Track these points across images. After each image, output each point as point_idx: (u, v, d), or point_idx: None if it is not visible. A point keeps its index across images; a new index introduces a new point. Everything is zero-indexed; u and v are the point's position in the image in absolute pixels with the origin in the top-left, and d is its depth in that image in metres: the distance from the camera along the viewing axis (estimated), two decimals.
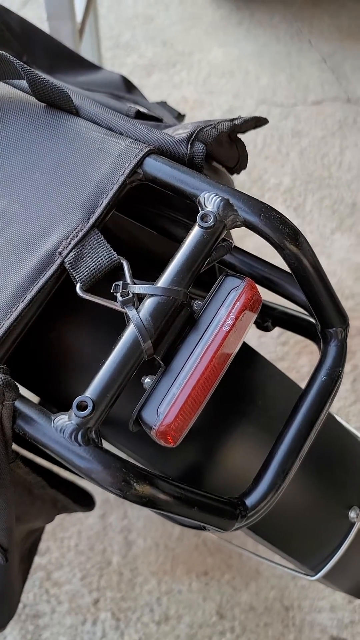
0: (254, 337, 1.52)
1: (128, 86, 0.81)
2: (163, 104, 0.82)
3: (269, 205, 0.45)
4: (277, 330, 1.54)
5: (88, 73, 0.82)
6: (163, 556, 1.26)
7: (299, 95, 1.91)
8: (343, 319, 0.49)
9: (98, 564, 1.25)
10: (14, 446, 0.46)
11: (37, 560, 1.25)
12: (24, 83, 0.51)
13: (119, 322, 0.43)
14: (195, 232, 0.43)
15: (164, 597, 1.23)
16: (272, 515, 0.58)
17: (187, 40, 2.02)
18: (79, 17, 1.22)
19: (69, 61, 0.81)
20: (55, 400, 0.54)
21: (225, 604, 1.22)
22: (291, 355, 1.50)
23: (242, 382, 0.56)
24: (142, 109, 0.65)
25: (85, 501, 0.68)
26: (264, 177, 1.74)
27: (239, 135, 0.59)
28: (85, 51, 1.46)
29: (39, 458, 0.62)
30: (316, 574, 0.62)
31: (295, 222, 1.73)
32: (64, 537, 1.28)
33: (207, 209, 0.43)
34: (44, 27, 1.03)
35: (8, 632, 1.18)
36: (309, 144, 1.82)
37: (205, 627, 1.20)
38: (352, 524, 0.62)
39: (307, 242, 0.45)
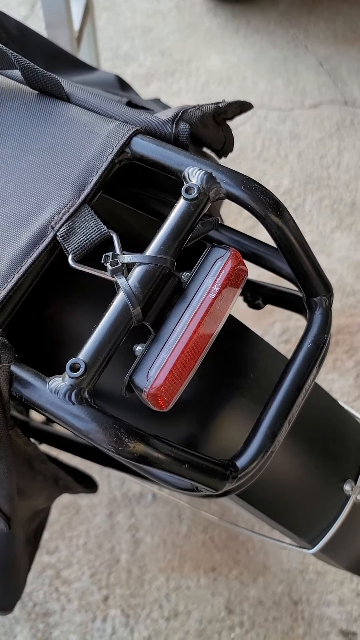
0: None
1: (122, 85, 0.84)
2: (157, 101, 0.84)
3: (250, 178, 0.47)
4: (279, 328, 1.56)
5: (83, 73, 0.85)
6: (171, 553, 1.27)
7: (296, 99, 1.94)
8: (327, 287, 0.51)
9: (107, 561, 1.26)
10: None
11: (47, 558, 1.26)
12: (17, 73, 0.54)
13: (112, 298, 0.45)
14: (180, 205, 0.45)
15: (173, 594, 1.23)
16: (268, 487, 0.59)
17: (185, 49, 2.06)
18: (76, 25, 1.26)
19: (65, 62, 0.84)
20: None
21: (233, 599, 1.23)
22: None
23: (235, 356, 0.58)
24: (133, 102, 0.68)
25: (87, 483, 0.70)
26: (263, 179, 1.77)
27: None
28: (84, 60, 1.50)
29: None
30: (313, 547, 0.63)
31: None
32: (72, 536, 1.29)
33: (192, 182, 0.46)
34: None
35: (18, 631, 1.20)
36: (307, 146, 1.84)
37: (214, 622, 1.21)
38: (347, 497, 0.63)
39: (289, 213, 0.47)
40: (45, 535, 1.28)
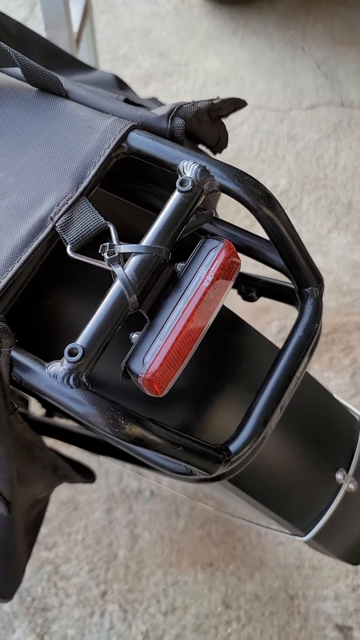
0: None
1: (120, 84, 0.86)
2: (154, 100, 0.86)
3: (243, 171, 0.48)
4: (276, 327, 1.57)
5: (82, 73, 0.86)
6: (168, 549, 1.28)
7: (293, 100, 1.96)
8: (317, 278, 0.52)
9: (105, 557, 1.27)
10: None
11: (45, 554, 1.27)
12: (17, 71, 0.55)
13: (108, 288, 0.47)
14: (175, 197, 0.47)
15: (170, 589, 1.24)
16: (262, 475, 0.61)
17: (183, 51, 2.08)
18: (75, 27, 1.28)
19: (64, 62, 0.86)
20: None
21: (230, 594, 1.24)
22: None
23: (229, 347, 0.59)
24: (130, 100, 0.69)
25: (86, 473, 0.71)
26: (260, 179, 1.77)
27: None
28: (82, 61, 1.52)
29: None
30: (306, 535, 0.64)
31: (292, 222, 1.76)
32: (70, 532, 1.30)
33: (186, 175, 0.47)
34: None
35: (17, 626, 1.21)
36: (304, 147, 1.86)
37: (211, 617, 1.22)
38: (340, 486, 0.64)
39: (280, 205, 0.49)
40: (44, 531, 1.29)
